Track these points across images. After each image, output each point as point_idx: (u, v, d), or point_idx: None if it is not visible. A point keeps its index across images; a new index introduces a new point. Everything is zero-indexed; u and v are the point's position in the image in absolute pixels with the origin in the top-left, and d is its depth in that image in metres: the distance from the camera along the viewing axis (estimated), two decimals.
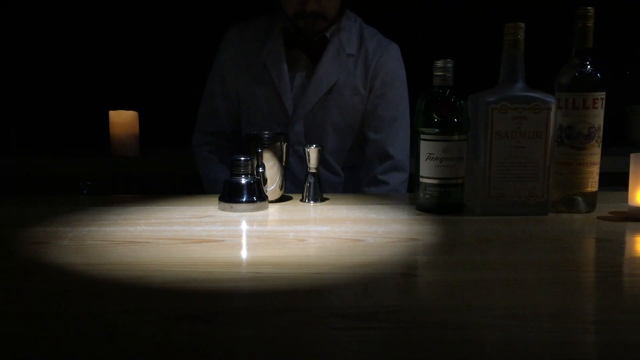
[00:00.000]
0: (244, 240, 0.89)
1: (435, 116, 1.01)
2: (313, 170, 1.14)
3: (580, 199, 1.04)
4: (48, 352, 0.52)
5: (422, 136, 1.02)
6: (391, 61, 1.49)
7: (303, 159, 1.45)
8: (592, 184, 1.04)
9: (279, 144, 1.13)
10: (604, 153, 1.05)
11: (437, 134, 1.00)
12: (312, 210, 1.09)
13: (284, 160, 1.15)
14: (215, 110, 1.55)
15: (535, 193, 1.01)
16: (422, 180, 1.03)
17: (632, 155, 0.99)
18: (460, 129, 1.01)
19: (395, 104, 1.49)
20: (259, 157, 1.11)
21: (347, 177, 1.53)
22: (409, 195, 1.28)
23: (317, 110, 1.46)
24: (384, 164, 1.48)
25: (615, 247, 0.86)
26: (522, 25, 1.00)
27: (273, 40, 1.47)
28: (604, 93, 1.02)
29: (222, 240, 0.87)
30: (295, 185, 1.41)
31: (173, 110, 2.34)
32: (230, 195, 1.06)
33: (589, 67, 1.02)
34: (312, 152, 1.12)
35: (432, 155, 1.01)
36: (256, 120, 1.48)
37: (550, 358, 0.51)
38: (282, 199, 1.16)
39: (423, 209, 1.04)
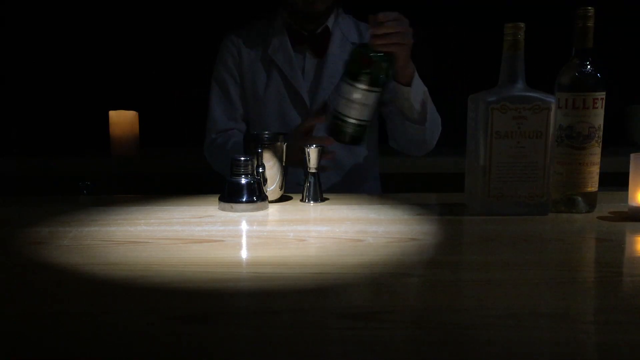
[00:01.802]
0: (244, 240, 0.89)
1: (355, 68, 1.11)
2: (313, 170, 1.14)
3: (580, 199, 1.04)
4: (48, 352, 0.52)
5: (344, 79, 1.12)
6: None
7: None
8: (592, 184, 1.04)
9: (279, 144, 1.13)
10: (604, 153, 1.04)
11: (350, 80, 1.11)
12: (312, 210, 1.09)
13: (284, 160, 1.15)
14: (234, 110, 1.52)
15: (535, 193, 1.01)
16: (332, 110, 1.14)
17: (632, 155, 0.99)
18: (370, 80, 1.10)
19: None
20: (259, 157, 1.11)
21: (366, 159, 1.55)
22: (409, 195, 1.28)
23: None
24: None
25: (615, 247, 0.86)
26: (522, 25, 1.00)
27: (277, 37, 1.48)
28: (604, 93, 1.02)
29: (222, 240, 0.87)
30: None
31: (173, 110, 2.34)
32: (230, 195, 1.06)
33: (589, 67, 1.02)
34: (312, 152, 1.12)
35: (342, 94, 1.12)
36: (271, 121, 1.48)
37: (550, 358, 0.51)
38: (282, 199, 1.16)
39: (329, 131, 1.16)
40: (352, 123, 1.13)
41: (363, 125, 1.14)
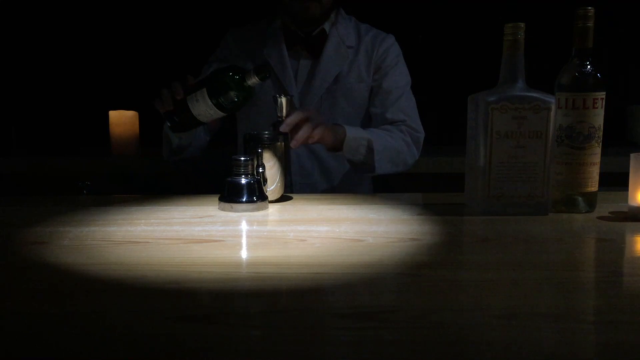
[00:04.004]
0: (244, 240, 0.89)
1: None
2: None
3: (580, 199, 1.04)
4: (48, 352, 0.52)
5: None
6: (392, 48, 1.54)
7: (312, 151, 1.49)
8: (592, 184, 1.04)
9: (279, 144, 1.13)
10: (604, 153, 1.04)
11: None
12: (312, 210, 1.09)
13: (284, 160, 1.15)
14: None
15: (535, 193, 1.01)
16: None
17: (632, 155, 0.99)
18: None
19: (397, 78, 1.53)
20: (259, 157, 1.11)
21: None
22: (409, 195, 1.28)
23: (324, 101, 1.49)
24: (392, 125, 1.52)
25: (615, 247, 0.86)
26: (522, 25, 1.00)
27: (273, 38, 1.50)
28: (604, 93, 1.02)
29: (222, 240, 0.87)
30: (303, 176, 1.50)
31: None
32: (230, 195, 1.06)
33: (589, 67, 1.02)
34: (284, 101, 1.14)
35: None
36: (260, 119, 1.48)
37: (550, 358, 0.51)
38: (282, 199, 1.16)
39: None
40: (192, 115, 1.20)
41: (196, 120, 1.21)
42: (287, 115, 1.16)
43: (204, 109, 1.16)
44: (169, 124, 1.26)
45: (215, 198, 1.09)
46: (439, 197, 1.23)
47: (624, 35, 2.32)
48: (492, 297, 0.65)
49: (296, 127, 1.19)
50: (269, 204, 1.11)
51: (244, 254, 0.82)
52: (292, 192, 1.26)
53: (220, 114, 1.17)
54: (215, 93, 1.15)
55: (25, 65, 2.34)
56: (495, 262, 0.78)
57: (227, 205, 1.06)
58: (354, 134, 1.35)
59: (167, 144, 1.43)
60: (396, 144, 1.45)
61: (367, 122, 1.54)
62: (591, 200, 1.04)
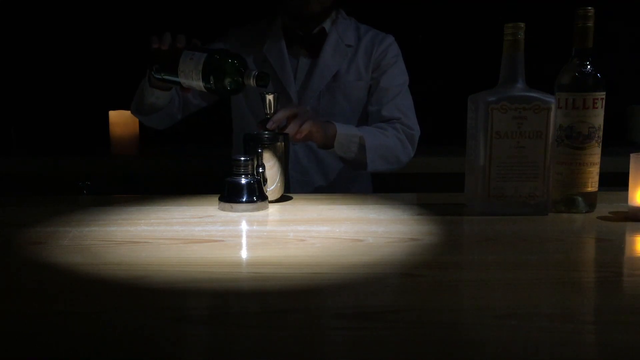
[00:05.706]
0: (244, 240, 0.89)
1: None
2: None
3: (580, 199, 1.04)
4: (48, 352, 0.52)
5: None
6: (391, 47, 1.54)
7: (309, 147, 1.49)
8: (592, 184, 1.04)
9: (279, 144, 1.13)
10: (604, 153, 1.04)
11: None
12: (312, 210, 1.09)
13: (284, 160, 1.15)
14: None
15: (535, 193, 1.01)
16: None
17: (632, 155, 0.99)
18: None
19: (395, 77, 1.53)
20: (259, 157, 1.11)
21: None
22: (409, 195, 1.28)
23: (323, 99, 1.49)
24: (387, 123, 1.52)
25: (615, 247, 0.86)
26: (522, 25, 1.00)
27: (273, 36, 1.50)
28: (604, 93, 1.02)
29: (222, 240, 0.87)
30: (300, 173, 1.50)
31: None
32: (230, 195, 1.06)
33: (589, 67, 1.02)
34: (271, 97, 1.14)
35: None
36: (257, 118, 1.48)
37: (550, 358, 0.51)
38: (282, 199, 1.16)
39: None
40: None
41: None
42: (275, 112, 1.15)
43: (190, 70, 1.14)
44: (153, 70, 1.27)
45: (215, 198, 1.09)
46: (439, 197, 1.23)
47: (624, 35, 2.32)
48: (492, 297, 0.65)
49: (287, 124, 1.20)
50: (269, 204, 1.11)
51: (244, 254, 0.82)
52: (289, 188, 1.26)
53: (200, 86, 1.15)
54: (212, 66, 1.13)
55: (25, 65, 2.33)
56: (495, 262, 0.78)
57: (227, 205, 1.06)
58: (345, 131, 1.35)
59: (139, 98, 1.43)
60: (389, 142, 1.45)
61: (365, 120, 1.55)
62: (591, 200, 1.04)
